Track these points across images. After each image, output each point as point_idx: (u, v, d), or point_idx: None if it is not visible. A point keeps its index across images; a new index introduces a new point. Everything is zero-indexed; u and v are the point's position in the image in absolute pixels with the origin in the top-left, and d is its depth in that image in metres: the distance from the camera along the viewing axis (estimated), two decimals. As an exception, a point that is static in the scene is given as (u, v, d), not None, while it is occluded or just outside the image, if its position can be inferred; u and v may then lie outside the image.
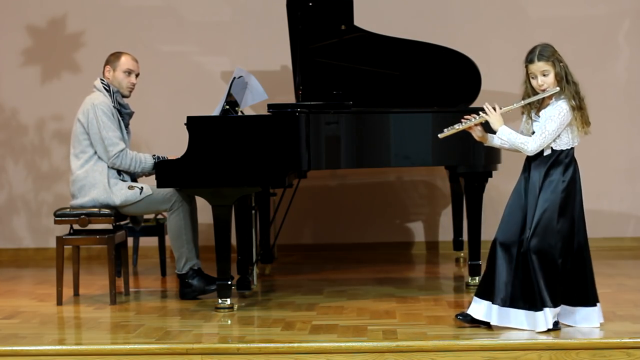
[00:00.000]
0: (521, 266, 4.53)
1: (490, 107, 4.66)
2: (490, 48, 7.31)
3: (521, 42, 7.51)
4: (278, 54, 7.30)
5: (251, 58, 7.48)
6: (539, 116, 4.62)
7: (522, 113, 4.69)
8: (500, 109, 4.66)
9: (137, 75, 5.83)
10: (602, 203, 7.56)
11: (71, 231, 5.80)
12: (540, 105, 4.64)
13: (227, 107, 5.66)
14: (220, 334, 4.77)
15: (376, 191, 7.66)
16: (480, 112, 4.69)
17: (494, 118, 4.63)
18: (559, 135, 4.58)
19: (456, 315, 4.71)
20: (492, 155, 5.86)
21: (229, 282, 5.31)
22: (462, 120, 4.71)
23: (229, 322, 5.06)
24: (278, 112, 5.44)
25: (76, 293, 5.87)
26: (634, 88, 7.52)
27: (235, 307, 5.36)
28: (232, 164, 5.24)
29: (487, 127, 4.75)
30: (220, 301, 5.31)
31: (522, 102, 4.63)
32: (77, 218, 5.63)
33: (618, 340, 4.36)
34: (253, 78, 6.04)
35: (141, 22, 7.59)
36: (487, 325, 4.68)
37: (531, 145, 4.56)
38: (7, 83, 7.66)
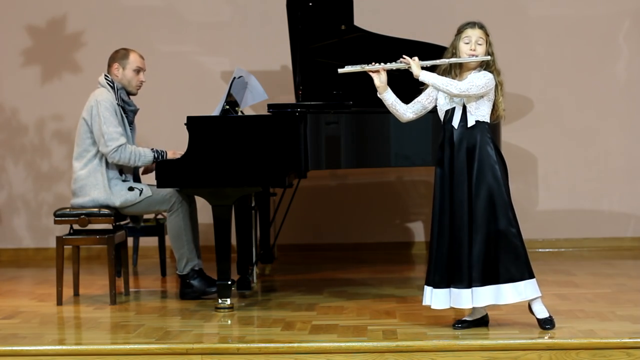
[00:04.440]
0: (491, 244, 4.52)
1: (408, 58, 4.62)
2: (490, 48, 7.31)
3: (521, 42, 7.56)
4: (278, 54, 7.31)
5: (251, 58, 7.48)
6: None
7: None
8: (421, 61, 4.61)
9: (144, 72, 5.83)
10: (602, 203, 7.56)
11: (71, 231, 5.80)
12: (458, 76, 4.59)
13: (227, 107, 5.66)
14: (220, 334, 4.77)
15: (376, 191, 7.66)
16: (399, 60, 4.64)
17: (415, 65, 4.58)
18: (478, 105, 4.54)
19: (453, 325, 4.69)
20: (492, 155, 5.86)
21: (229, 282, 5.31)
22: (373, 63, 4.67)
23: (229, 322, 5.06)
24: (278, 112, 5.45)
25: (76, 293, 5.87)
26: (634, 88, 7.52)
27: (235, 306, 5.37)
28: (232, 164, 5.24)
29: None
30: (220, 301, 5.31)
31: (449, 59, 4.59)
32: (77, 218, 5.63)
33: (618, 340, 4.36)
34: (253, 78, 6.05)
35: (141, 22, 7.59)
36: (485, 324, 4.68)
37: (461, 85, 4.50)
38: (7, 83, 7.66)
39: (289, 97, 6.70)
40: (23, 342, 4.59)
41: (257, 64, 7.38)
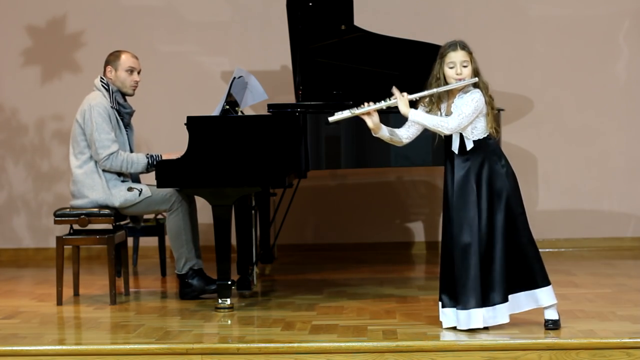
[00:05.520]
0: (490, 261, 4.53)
1: (398, 92, 4.56)
2: (490, 48, 7.31)
3: (521, 42, 7.56)
4: (278, 54, 7.30)
5: (251, 58, 7.48)
6: (441, 111, 4.56)
7: (423, 106, 4.62)
8: (409, 95, 4.56)
9: (139, 72, 5.82)
10: (602, 203, 7.56)
11: (71, 231, 5.80)
12: (447, 99, 4.57)
13: (227, 107, 5.66)
14: (220, 334, 4.77)
15: (376, 191, 7.65)
16: (388, 98, 4.59)
17: (403, 103, 4.53)
18: (474, 125, 4.53)
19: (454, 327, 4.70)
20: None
21: (229, 282, 5.31)
22: (361, 105, 4.60)
23: (229, 322, 5.06)
24: (278, 112, 5.45)
25: (76, 293, 5.87)
26: (634, 88, 7.52)
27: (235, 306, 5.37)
28: (232, 164, 5.24)
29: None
30: (220, 301, 5.31)
31: (438, 89, 4.54)
32: (77, 218, 5.63)
33: (618, 340, 4.36)
34: (253, 78, 6.05)
35: (141, 22, 7.59)
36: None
37: (451, 124, 4.48)
38: (7, 83, 7.65)
39: (289, 97, 6.70)
40: (23, 342, 4.59)
41: (257, 64, 7.38)
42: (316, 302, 5.52)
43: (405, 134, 4.66)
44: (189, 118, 5.32)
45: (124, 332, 4.83)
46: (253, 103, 6.17)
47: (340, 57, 6.28)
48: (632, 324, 4.70)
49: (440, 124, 4.50)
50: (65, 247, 5.67)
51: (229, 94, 5.61)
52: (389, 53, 6.33)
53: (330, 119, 4.65)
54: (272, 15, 7.34)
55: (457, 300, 4.55)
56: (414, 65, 6.31)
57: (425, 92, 4.57)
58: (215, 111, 5.47)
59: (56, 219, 5.70)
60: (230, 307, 5.30)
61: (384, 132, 4.64)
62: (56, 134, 7.60)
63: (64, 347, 4.51)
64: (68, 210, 5.69)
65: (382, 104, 4.58)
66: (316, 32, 6.22)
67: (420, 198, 7.67)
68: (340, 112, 4.62)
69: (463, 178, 4.56)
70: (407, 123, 4.64)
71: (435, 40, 6.32)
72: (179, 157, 5.50)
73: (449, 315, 4.60)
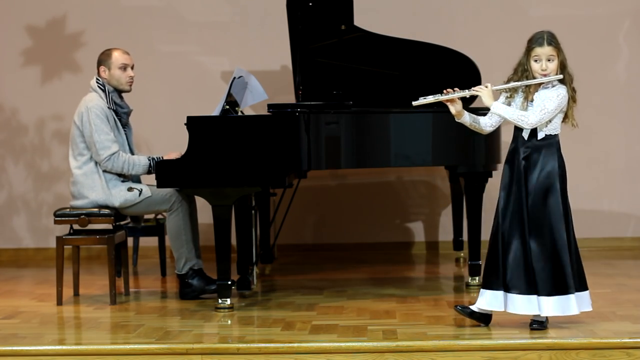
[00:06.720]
0: (528, 252, 4.53)
1: (481, 86, 4.64)
2: (490, 48, 7.31)
3: (521, 42, 7.53)
4: (278, 54, 7.30)
5: (251, 58, 7.48)
6: (530, 101, 4.57)
7: (506, 96, 4.65)
8: (492, 86, 4.62)
9: (132, 68, 5.81)
10: (602, 203, 7.56)
11: (71, 231, 5.80)
12: (529, 91, 4.60)
13: (227, 107, 5.66)
14: (220, 334, 4.77)
15: (376, 191, 7.66)
16: (471, 88, 4.65)
17: (486, 94, 4.59)
18: (550, 120, 4.57)
19: (455, 307, 4.71)
20: (492, 155, 5.87)
21: (229, 282, 5.32)
22: (444, 91, 4.67)
23: (229, 322, 5.06)
24: (278, 112, 5.45)
25: (76, 293, 5.87)
26: (634, 88, 7.52)
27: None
28: (232, 164, 5.24)
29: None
30: (220, 301, 5.31)
31: (522, 82, 4.58)
32: (77, 218, 5.63)
33: (618, 340, 4.36)
34: (253, 78, 6.05)
35: (141, 22, 7.59)
36: (485, 322, 4.68)
37: (532, 118, 4.52)
38: (7, 83, 7.65)
39: (289, 97, 6.70)
40: (23, 342, 4.59)
41: (257, 64, 7.38)
42: (316, 302, 5.52)
43: (488, 122, 4.71)
44: (189, 118, 5.32)
45: (124, 332, 4.83)
46: (253, 103, 6.17)
47: (340, 57, 6.28)
48: (632, 324, 4.70)
49: (521, 118, 4.54)
50: (65, 247, 5.67)
51: (229, 94, 5.61)
52: (389, 53, 6.34)
53: (415, 102, 4.73)
54: (272, 15, 7.34)
55: (503, 284, 4.56)
56: (414, 65, 6.33)
57: (510, 85, 4.62)
58: (215, 111, 5.47)
59: (56, 219, 5.70)
60: (230, 307, 5.30)
61: (466, 118, 4.69)
62: (56, 134, 7.60)
63: (64, 347, 4.51)
64: (68, 210, 5.69)
65: (466, 92, 4.65)
66: (316, 32, 6.22)
67: (420, 198, 7.67)
68: (424, 98, 4.70)
69: (522, 165, 4.58)
70: (489, 112, 4.68)
71: (436, 40, 6.35)
72: (179, 157, 5.51)
73: (498, 298, 4.58)
